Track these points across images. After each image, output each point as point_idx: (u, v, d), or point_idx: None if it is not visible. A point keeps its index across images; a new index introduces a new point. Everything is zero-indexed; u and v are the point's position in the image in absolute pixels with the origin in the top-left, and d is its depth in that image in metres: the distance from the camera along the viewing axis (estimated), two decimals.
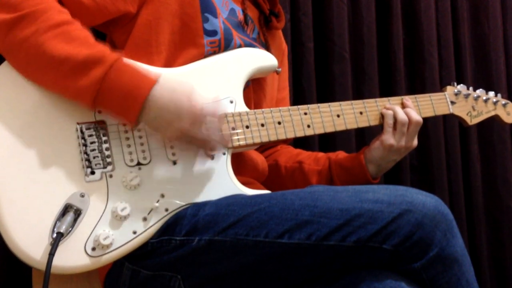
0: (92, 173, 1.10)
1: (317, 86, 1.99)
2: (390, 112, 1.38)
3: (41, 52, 1.06)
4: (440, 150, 2.21)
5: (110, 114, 1.12)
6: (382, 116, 1.39)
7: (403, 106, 1.41)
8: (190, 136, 1.11)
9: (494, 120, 1.64)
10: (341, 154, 1.47)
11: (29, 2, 1.08)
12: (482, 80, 2.35)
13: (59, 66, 1.06)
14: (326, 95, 1.99)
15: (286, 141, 1.58)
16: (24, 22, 1.06)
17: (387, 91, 2.11)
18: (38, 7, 1.07)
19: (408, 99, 1.43)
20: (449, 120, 2.24)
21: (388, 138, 1.36)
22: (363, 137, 2.02)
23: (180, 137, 1.12)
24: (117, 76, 1.06)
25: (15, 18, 1.06)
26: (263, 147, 1.51)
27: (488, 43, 2.40)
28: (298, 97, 1.94)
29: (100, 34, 1.36)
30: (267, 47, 1.41)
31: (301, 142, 1.85)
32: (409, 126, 1.37)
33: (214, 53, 1.28)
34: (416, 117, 1.38)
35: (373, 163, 1.39)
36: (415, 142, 1.40)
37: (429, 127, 2.19)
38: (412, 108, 1.40)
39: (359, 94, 2.06)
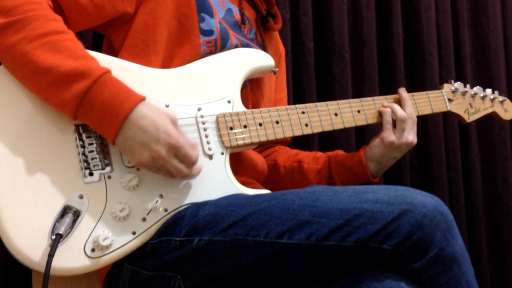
0: (91, 174, 1.10)
1: (317, 86, 1.99)
2: (388, 109, 1.39)
3: (26, 61, 1.05)
4: (440, 150, 2.21)
5: (91, 127, 1.10)
6: (380, 114, 1.40)
7: (400, 99, 1.43)
8: (160, 164, 1.09)
9: (492, 117, 1.64)
10: (340, 153, 1.47)
11: (22, 8, 1.06)
12: (482, 80, 2.35)
13: (43, 76, 1.05)
14: (326, 95, 1.99)
15: (284, 142, 1.58)
16: (12, 29, 1.05)
17: (387, 91, 2.09)
18: (28, 14, 1.06)
19: (404, 90, 1.44)
20: (449, 119, 2.24)
21: (389, 135, 1.37)
22: (362, 136, 2.02)
23: (149, 164, 1.09)
24: (100, 92, 1.05)
25: (4, 24, 1.05)
26: (261, 148, 1.51)
27: (488, 43, 2.40)
28: (298, 97, 1.94)
29: (99, 34, 1.37)
30: (264, 48, 1.41)
31: (301, 142, 1.85)
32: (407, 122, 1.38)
33: (211, 52, 1.28)
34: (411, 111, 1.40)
35: (374, 161, 1.39)
36: (415, 139, 1.40)
37: (429, 126, 2.19)
38: (408, 100, 1.42)
39: (359, 94, 2.06)
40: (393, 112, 1.38)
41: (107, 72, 1.07)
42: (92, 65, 1.07)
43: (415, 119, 1.41)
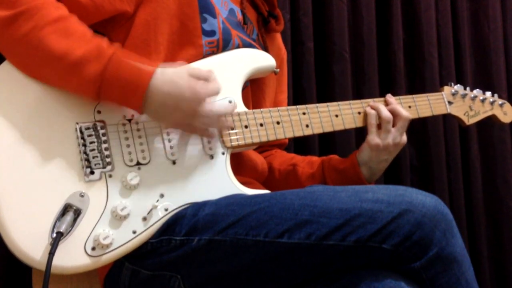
0: (92, 173, 1.10)
1: (317, 86, 1.99)
2: (373, 112, 1.36)
3: (41, 48, 1.07)
4: (440, 150, 2.22)
5: (116, 104, 1.12)
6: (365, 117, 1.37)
7: (386, 104, 1.39)
8: (195, 117, 1.11)
9: (492, 120, 1.64)
10: (334, 157, 1.46)
11: None
12: (482, 80, 2.35)
13: (59, 61, 1.07)
14: (326, 95, 2.00)
15: (282, 145, 1.57)
16: (22, 18, 1.07)
17: (387, 91, 2.07)
18: (35, 3, 1.08)
19: (391, 96, 1.40)
20: (449, 120, 2.24)
21: (373, 138, 1.35)
22: (362, 137, 2.00)
23: (184, 123, 1.12)
24: (117, 70, 1.07)
25: (12, 15, 1.07)
26: (259, 150, 1.50)
27: (488, 43, 2.40)
28: (298, 97, 1.94)
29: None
30: (265, 49, 1.41)
31: (301, 143, 1.85)
32: (396, 122, 1.36)
33: (213, 53, 1.28)
34: (404, 113, 1.36)
35: (364, 165, 1.37)
36: (404, 139, 1.37)
37: (429, 127, 2.20)
38: (396, 104, 1.38)
39: (359, 94, 2.07)
40: (378, 113, 1.36)
41: (117, 50, 1.10)
42: (103, 46, 1.09)
43: (406, 118, 1.36)
